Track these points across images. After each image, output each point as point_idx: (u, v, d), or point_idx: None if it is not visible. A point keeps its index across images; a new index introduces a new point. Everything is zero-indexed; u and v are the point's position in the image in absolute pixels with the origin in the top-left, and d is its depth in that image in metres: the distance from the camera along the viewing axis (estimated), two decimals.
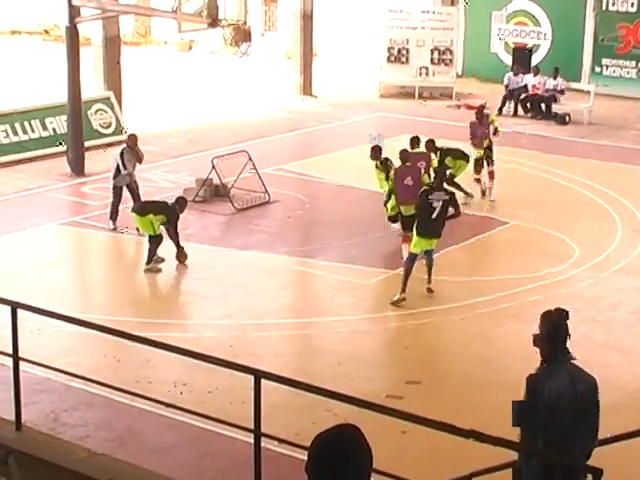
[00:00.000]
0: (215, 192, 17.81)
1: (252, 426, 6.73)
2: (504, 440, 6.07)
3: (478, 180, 17.75)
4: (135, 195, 16.36)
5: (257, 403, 6.64)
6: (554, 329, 6.25)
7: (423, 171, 15.17)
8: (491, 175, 17.75)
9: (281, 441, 7.55)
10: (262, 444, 6.85)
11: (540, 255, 15.22)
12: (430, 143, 16.69)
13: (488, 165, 17.84)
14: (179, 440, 9.76)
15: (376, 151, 16.12)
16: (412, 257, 13.45)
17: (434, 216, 13.31)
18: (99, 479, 7.09)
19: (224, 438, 9.44)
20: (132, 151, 16.56)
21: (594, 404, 6.23)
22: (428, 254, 13.67)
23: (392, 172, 15.10)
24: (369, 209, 17.57)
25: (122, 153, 16.45)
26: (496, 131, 18.44)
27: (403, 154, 15.10)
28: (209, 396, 10.52)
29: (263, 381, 6.69)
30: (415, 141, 16.34)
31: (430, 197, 13.35)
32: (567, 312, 6.34)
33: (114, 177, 16.44)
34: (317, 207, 18.09)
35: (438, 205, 13.29)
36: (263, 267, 14.81)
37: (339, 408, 8.22)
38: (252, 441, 6.84)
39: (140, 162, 16.71)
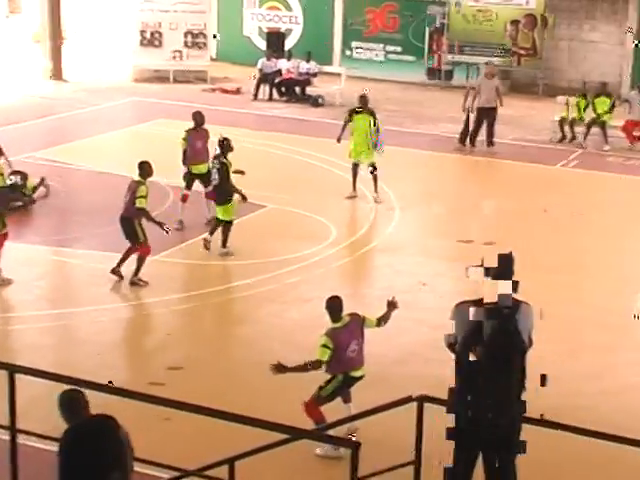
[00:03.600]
0: None
1: (7, 423, 6.46)
2: (268, 422, 6.10)
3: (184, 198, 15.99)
4: None
5: (12, 399, 6.38)
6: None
7: None
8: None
9: (39, 436, 7.29)
10: (20, 441, 6.59)
11: (298, 237, 15.44)
12: None
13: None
14: None
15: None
16: None
17: None
18: None
19: None
20: None
21: None
22: None
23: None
24: None
25: None
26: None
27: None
28: None
29: (20, 376, 6.44)
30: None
31: None
32: None
33: None
34: (73, 195, 17.57)
35: None
36: (15, 257, 14.23)
37: (101, 399, 8.01)
38: (8, 438, 6.57)
39: None
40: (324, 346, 9.26)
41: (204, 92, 26.57)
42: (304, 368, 9.23)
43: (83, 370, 9.88)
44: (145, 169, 13.58)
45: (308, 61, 26.17)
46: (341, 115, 24.21)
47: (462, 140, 21.31)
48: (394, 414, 7.32)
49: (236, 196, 14.77)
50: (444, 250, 15.29)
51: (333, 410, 9.19)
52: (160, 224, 13.41)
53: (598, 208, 17.50)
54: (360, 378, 9.49)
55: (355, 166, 17.46)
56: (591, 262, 14.75)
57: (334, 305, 9.55)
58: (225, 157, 14.82)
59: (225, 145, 14.87)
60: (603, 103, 22.15)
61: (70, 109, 23.97)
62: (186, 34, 27.88)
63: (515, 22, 27.25)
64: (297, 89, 26.09)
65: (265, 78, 26.10)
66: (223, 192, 14.79)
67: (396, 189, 17.86)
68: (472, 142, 21.25)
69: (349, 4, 29.35)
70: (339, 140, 17.73)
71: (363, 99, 17.87)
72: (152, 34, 27.82)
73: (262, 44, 29.15)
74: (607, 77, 25.60)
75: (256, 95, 25.96)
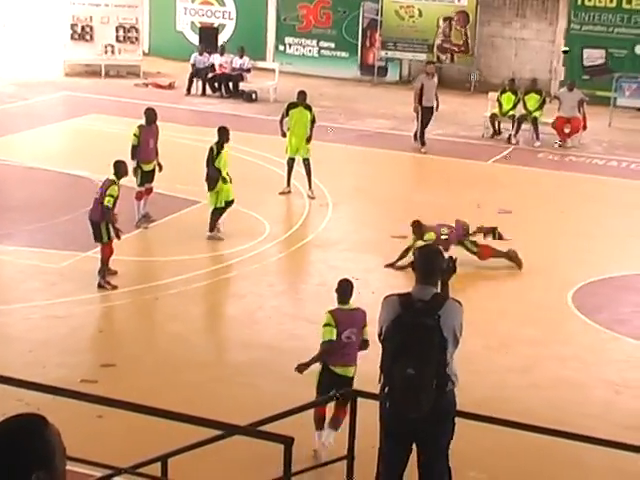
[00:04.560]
0: None
1: None
2: (200, 419, 6.09)
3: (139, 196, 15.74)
4: None
5: None
6: None
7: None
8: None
9: None
10: None
11: (232, 233, 15.38)
12: None
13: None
14: None
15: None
16: None
17: None
18: None
19: None
20: None
21: None
22: None
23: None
24: (57, 191, 17.13)
25: None
26: None
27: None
28: None
29: None
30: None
31: None
32: None
33: None
34: (3, 191, 17.31)
35: None
36: None
37: (31, 397, 7.95)
38: None
39: None
40: (327, 325, 9.02)
41: (137, 87, 26.37)
42: (319, 356, 9.03)
43: (14, 368, 9.78)
44: (121, 168, 13.42)
45: (241, 56, 26.11)
46: (275, 111, 24.27)
47: (416, 138, 21.32)
48: (328, 409, 7.36)
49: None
50: (377, 245, 15.36)
51: (266, 406, 9.20)
52: (116, 230, 13.23)
53: (529, 204, 17.72)
54: (343, 378, 8.92)
55: (291, 161, 17.47)
56: (522, 257, 14.92)
57: (345, 288, 9.32)
58: (219, 144, 15.22)
59: (221, 133, 15.34)
60: (533, 99, 22.44)
61: (0, 103, 23.63)
62: (118, 28, 27.64)
63: (448, 19, 27.46)
64: (230, 84, 26.02)
65: (198, 73, 25.98)
66: (208, 178, 15.11)
67: (329, 185, 17.91)
68: (422, 140, 21.12)
69: None
70: (284, 135, 17.68)
71: (302, 94, 17.88)
72: (83, 28, 27.51)
73: (195, 39, 29.01)
74: (538, 74, 25.97)
75: (189, 90, 25.84)
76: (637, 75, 24.95)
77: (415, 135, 21.30)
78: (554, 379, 11.15)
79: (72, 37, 27.53)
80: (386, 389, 6.41)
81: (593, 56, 26.73)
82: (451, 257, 6.86)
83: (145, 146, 15.54)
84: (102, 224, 13.14)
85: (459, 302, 6.55)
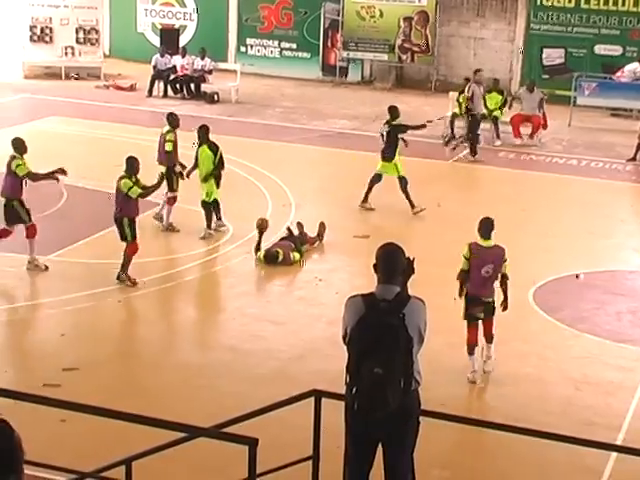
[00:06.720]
0: None
1: None
2: (164, 421, 6.09)
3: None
4: None
5: None
6: None
7: None
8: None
9: None
10: None
11: (195, 234, 15.36)
12: None
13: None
14: None
15: None
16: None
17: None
18: None
19: None
20: None
21: None
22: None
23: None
24: None
25: None
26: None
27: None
28: None
29: None
30: None
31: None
32: None
33: None
34: None
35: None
36: None
37: None
38: None
39: None
40: (464, 257, 10.75)
41: (98, 89, 26.25)
42: (460, 284, 10.84)
43: None
44: (134, 165, 13.30)
45: (203, 58, 26.07)
46: (237, 112, 24.28)
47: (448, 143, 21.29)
48: (293, 410, 7.38)
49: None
50: (340, 246, 15.41)
51: (230, 408, 9.20)
52: (155, 186, 13.66)
53: (489, 203, 17.82)
54: (486, 303, 10.74)
55: (378, 177, 17.17)
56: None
57: (487, 224, 10.85)
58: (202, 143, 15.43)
59: (202, 132, 15.52)
60: (495, 99, 22.56)
61: None
62: (78, 30, 27.49)
63: (408, 19, 27.58)
64: (192, 86, 25.98)
65: (159, 75, 25.91)
66: None
67: (292, 185, 17.93)
68: (475, 150, 20.90)
69: (243, 0, 29.31)
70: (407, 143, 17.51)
71: (393, 110, 17.43)
72: (42, 30, 27.35)
73: (156, 40, 28.93)
74: (498, 74, 26.14)
75: (150, 92, 25.76)
76: (596, 74, 25.20)
77: (449, 140, 21.12)
78: (515, 376, 11.23)
79: (31, 39, 27.36)
80: (354, 390, 6.41)
81: (552, 56, 26.97)
82: (409, 258, 6.87)
83: (175, 150, 15.60)
84: (125, 224, 13.17)
85: (422, 300, 6.57)
